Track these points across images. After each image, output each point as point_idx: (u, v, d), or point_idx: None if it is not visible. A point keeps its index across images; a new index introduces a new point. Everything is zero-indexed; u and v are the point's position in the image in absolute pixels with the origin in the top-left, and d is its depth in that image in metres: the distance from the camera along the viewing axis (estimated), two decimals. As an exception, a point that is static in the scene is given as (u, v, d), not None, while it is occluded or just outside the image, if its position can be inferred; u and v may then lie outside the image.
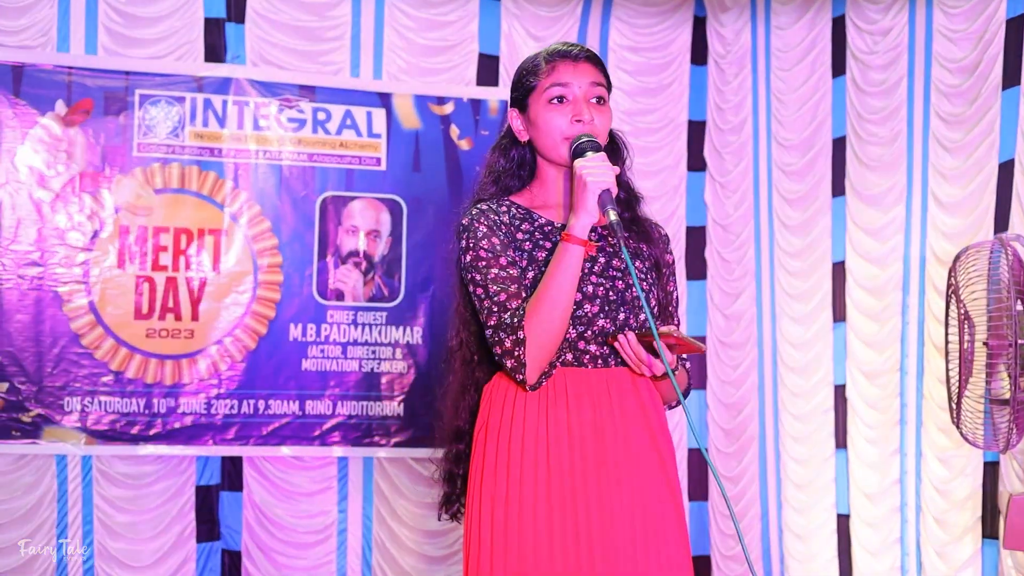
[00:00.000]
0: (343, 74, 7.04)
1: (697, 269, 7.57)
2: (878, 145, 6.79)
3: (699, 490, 7.52)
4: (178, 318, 6.70)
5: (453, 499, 3.50)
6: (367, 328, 6.96)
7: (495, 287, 3.21)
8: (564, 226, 3.25)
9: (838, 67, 7.05)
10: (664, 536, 3.23)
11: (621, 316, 3.27)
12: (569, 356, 3.24)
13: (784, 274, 7.21)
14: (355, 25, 7.06)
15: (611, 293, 3.27)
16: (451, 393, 3.49)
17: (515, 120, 3.41)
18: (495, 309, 3.20)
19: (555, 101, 3.30)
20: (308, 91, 6.93)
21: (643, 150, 7.43)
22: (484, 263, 3.24)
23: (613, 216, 3.07)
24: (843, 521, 6.92)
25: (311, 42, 7.02)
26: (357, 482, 7.04)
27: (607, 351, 3.26)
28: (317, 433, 6.85)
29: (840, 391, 6.96)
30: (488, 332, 3.22)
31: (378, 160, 6.99)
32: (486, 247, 3.25)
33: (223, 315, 6.76)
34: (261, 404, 6.78)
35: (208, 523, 6.85)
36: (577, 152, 3.19)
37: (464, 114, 7.13)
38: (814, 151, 7.13)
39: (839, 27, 7.03)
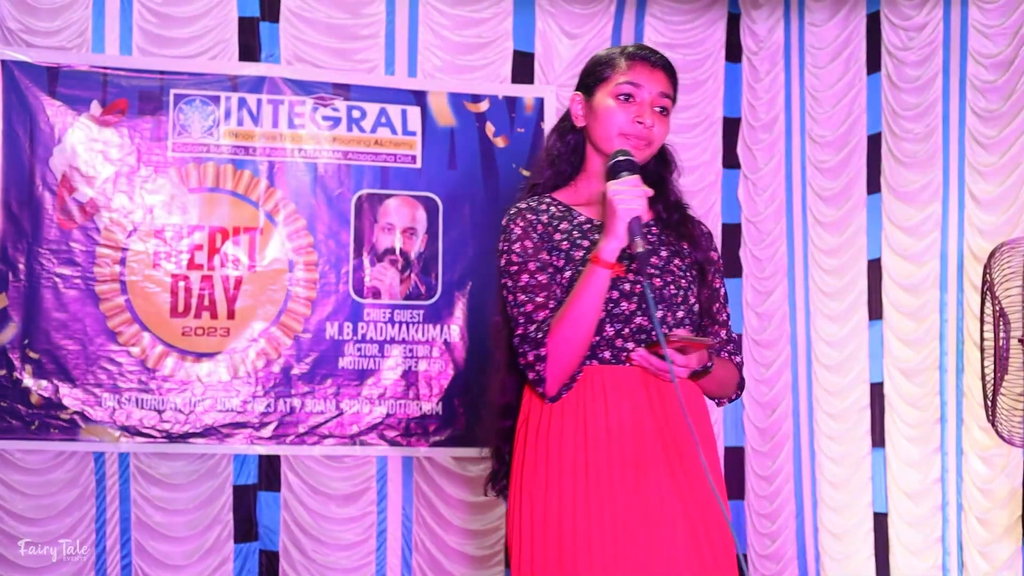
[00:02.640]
0: (378, 72, 7.04)
1: (732, 267, 7.54)
2: (913, 142, 6.77)
3: (735, 489, 7.50)
4: (214, 316, 6.72)
5: (500, 475, 3.50)
6: (404, 326, 6.96)
7: (523, 296, 3.25)
8: (602, 224, 3.24)
9: (872, 63, 7.03)
10: (705, 534, 3.23)
11: (659, 314, 3.25)
12: (607, 354, 3.24)
13: (819, 271, 7.19)
14: (389, 23, 7.07)
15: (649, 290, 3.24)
16: (499, 369, 3.49)
17: (576, 104, 3.45)
18: (521, 320, 3.24)
19: (623, 97, 3.34)
20: (343, 89, 6.94)
21: (678, 147, 7.26)
22: (515, 268, 3.28)
23: (640, 248, 3.09)
24: (880, 520, 6.90)
25: (345, 40, 7.02)
26: (396, 482, 7.02)
27: (635, 346, 3.26)
28: (355, 432, 6.85)
29: (876, 389, 6.94)
30: (515, 340, 3.26)
31: (413, 158, 7.00)
32: (518, 251, 3.29)
33: (259, 313, 6.77)
34: (298, 403, 6.79)
35: (246, 523, 6.83)
36: (612, 170, 3.19)
37: (499, 111, 7.13)
38: (848, 148, 7.11)
39: (873, 23, 7.01)
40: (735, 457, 7.49)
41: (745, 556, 7.42)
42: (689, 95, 7.51)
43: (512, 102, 7.15)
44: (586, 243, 3.30)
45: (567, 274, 3.26)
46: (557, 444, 3.22)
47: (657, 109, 3.35)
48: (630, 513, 3.16)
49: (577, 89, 3.47)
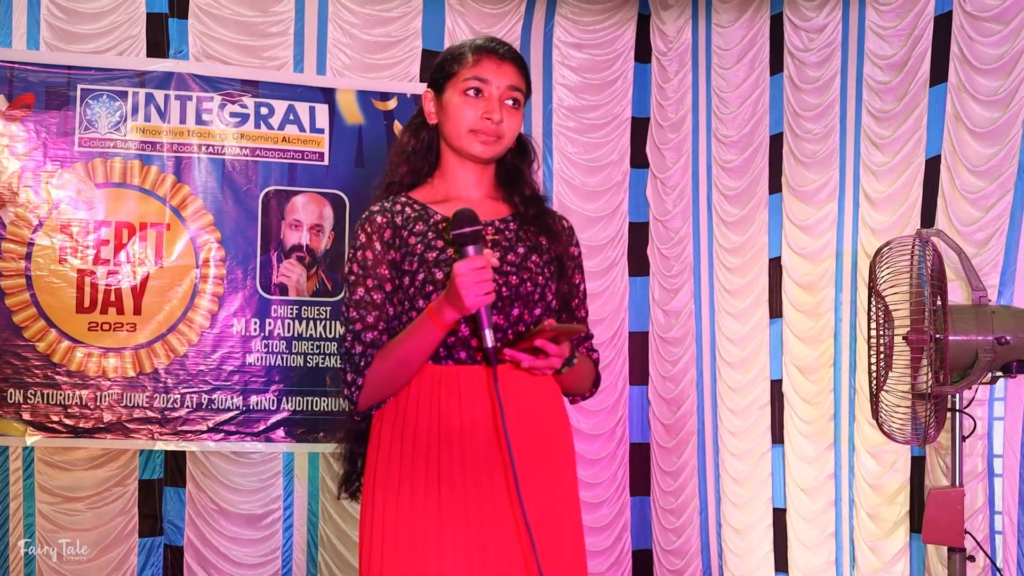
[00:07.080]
0: (286, 69, 7.07)
1: (639, 266, 7.61)
2: (812, 142, 6.84)
3: (641, 485, 7.56)
4: (120, 312, 6.72)
5: (353, 478, 3.44)
6: (311, 323, 6.99)
7: (355, 312, 3.20)
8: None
9: (776, 64, 7.10)
10: (554, 532, 3.22)
11: (515, 311, 3.24)
12: (463, 354, 3.20)
13: (723, 270, 7.27)
14: (299, 20, 7.09)
15: (504, 288, 3.22)
16: None
17: (428, 102, 3.38)
18: (349, 337, 3.21)
19: (471, 92, 3.27)
20: (251, 86, 6.96)
21: (587, 146, 7.48)
22: (353, 279, 3.23)
23: (490, 343, 3.06)
24: (779, 515, 6.97)
25: (254, 37, 7.04)
26: (303, 477, 7.04)
27: (500, 347, 3.18)
28: (261, 428, 6.87)
29: (776, 386, 7.01)
30: (340, 349, 3.25)
31: (321, 155, 7.03)
32: (360, 260, 3.24)
33: (166, 309, 6.78)
34: (204, 398, 6.80)
35: (151, 518, 6.83)
36: (457, 240, 3.08)
37: (407, 110, 7.12)
38: (752, 148, 7.19)
39: (777, 25, 7.08)
40: (641, 453, 7.55)
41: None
42: (598, 95, 7.57)
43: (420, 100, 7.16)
44: (440, 243, 3.23)
45: (420, 276, 3.20)
46: (412, 442, 3.18)
47: (508, 102, 3.30)
48: (483, 513, 3.14)
49: (429, 86, 3.39)
